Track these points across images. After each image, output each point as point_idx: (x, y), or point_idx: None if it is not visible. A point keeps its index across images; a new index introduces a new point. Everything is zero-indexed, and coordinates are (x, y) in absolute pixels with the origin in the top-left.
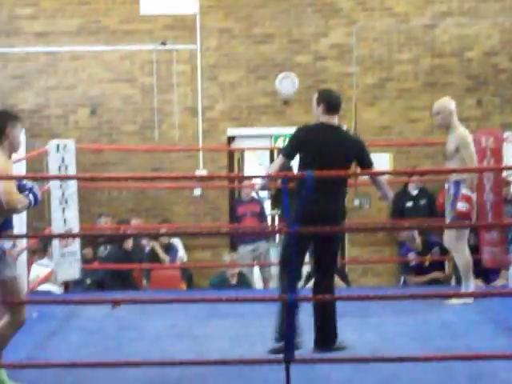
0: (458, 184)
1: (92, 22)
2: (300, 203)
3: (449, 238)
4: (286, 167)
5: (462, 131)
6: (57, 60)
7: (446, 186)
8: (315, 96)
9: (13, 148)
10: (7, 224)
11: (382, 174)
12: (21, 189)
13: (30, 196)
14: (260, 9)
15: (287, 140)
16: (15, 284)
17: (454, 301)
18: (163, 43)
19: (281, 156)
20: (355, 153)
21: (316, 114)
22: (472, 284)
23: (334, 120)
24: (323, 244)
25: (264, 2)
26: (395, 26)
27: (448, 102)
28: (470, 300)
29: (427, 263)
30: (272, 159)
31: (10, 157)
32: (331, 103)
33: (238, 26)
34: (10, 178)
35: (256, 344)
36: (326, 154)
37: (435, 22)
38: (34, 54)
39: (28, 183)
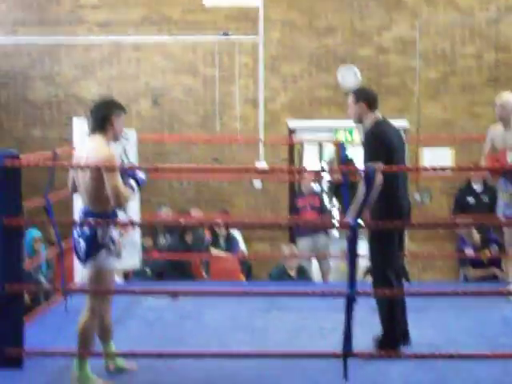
0: None
1: (155, 12)
2: (385, 198)
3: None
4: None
5: None
6: (120, 50)
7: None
8: (354, 96)
9: (116, 137)
10: (114, 213)
11: (446, 169)
12: (122, 174)
13: (132, 182)
14: (323, 1)
15: (375, 148)
16: (108, 275)
17: None
18: (225, 34)
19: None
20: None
21: (359, 112)
22: None
23: None
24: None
25: None
26: (459, 19)
27: (511, 97)
28: None
29: (485, 259)
30: (321, 153)
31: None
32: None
33: (300, 18)
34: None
35: (314, 337)
36: (400, 149)
37: (500, 17)
38: (96, 44)
39: (130, 167)
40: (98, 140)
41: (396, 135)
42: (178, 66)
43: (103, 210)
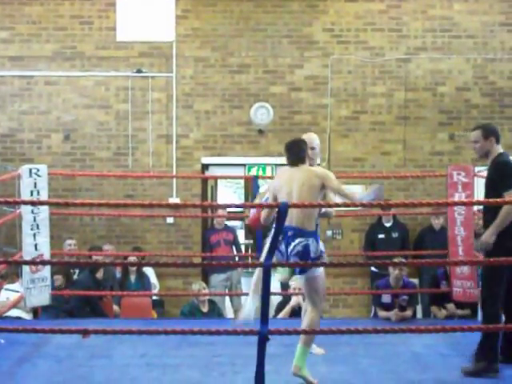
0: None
1: (68, 47)
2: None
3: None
4: None
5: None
6: (31, 84)
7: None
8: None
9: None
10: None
11: (358, 206)
12: None
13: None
14: (236, 39)
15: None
16: (321, 280)
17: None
18: (139, 70)
19: None
20: None
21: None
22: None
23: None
24: None
25: (240, 32)
26: (370, 59)
27: (316, 139)
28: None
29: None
30: (246, 188)
31: None
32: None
33: (214, 56)
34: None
35: (226, 373)
36: None
37: (409, 57)
38: (8, 78)
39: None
40: (306, 168)
41: None
42: (90, 102)
43: (311, 228)
